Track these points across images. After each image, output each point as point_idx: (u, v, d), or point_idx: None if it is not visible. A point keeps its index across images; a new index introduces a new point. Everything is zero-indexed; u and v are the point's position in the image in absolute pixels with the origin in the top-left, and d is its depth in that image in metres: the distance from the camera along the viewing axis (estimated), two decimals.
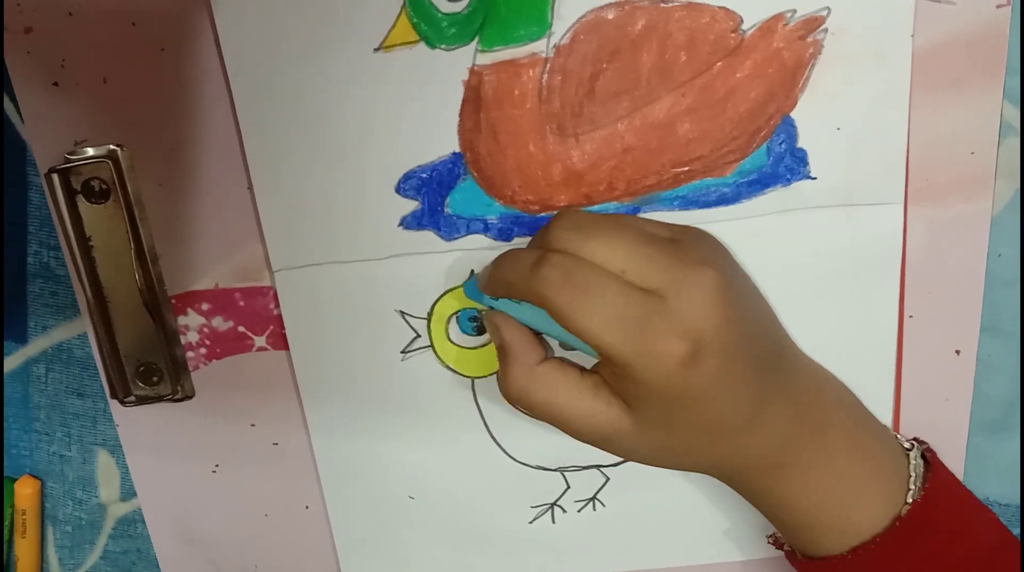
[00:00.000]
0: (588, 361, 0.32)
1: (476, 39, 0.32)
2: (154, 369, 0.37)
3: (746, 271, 0.34)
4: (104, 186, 0.35)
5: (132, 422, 0.39)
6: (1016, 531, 0.37)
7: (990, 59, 0.32)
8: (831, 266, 0.34)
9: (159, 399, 0.38)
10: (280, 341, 0.37)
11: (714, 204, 0.34)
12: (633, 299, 0.28)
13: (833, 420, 0.32)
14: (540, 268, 0.29)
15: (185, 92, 0.34)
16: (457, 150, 0.34)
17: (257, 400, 0.38)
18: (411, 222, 0.35)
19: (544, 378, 0.31)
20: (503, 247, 0.35)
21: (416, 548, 0.40)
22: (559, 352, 0.35)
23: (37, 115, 0.34)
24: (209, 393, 0.38)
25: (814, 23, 0.32)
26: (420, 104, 0.33)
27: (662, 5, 0.32)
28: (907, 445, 0.34)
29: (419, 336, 0.37)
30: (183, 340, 0.38)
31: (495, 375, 0.37)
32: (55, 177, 0.34)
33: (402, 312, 0.36)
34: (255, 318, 0.37)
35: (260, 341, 0.37)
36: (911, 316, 0.35)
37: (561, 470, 0.38)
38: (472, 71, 0.33)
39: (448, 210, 0.35)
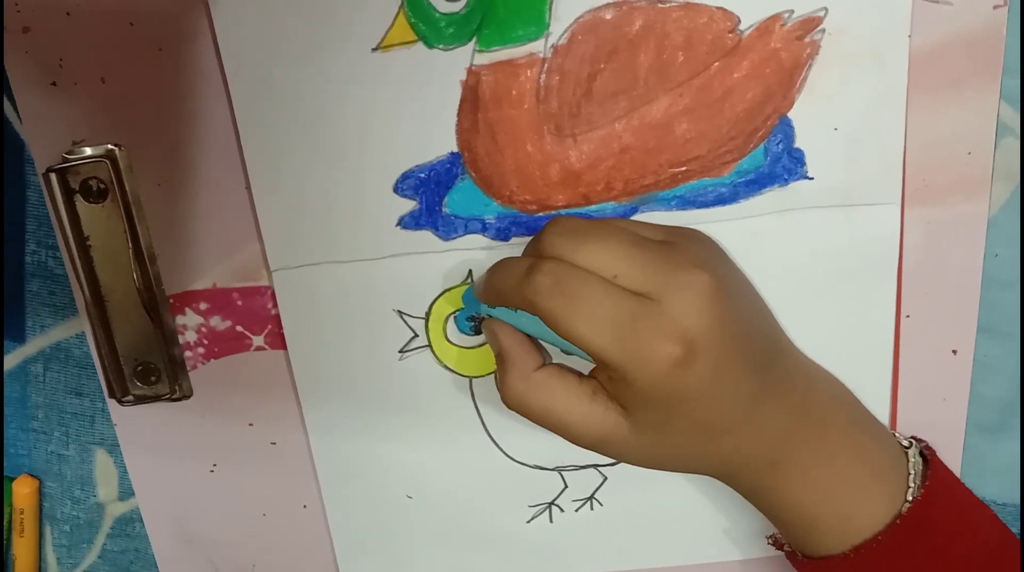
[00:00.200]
0: (587, 367, 0.32)
1: (474, 39, 0.32)
2: (152, 369, 0.37)
3: (742, 271, 0.34)
4: (102, 186, 0.35)
5: (130, 421, 0.39)
6: (1016, 530, 0.37)
7: (987, 60, 0.32)
8: (828, 266, 0.34)
9: (157, 398, 0.38)
10: (278, 341, 0.37)
11: (712, 204, 0.34)
12: (625, 303, 0.28)
13: (832, 418, 0.32)
14: (532, 276, 0.29)
15: (183, 92, 0.34)
16: (455, 150, 0.34)
17: (255, 400, 0.38)
18: (409, 222, 0.35)
19: (542, 384, 0.31)
20: (501, 247, 0.35)
21: (414, 547, 0.40)
22: (560, 359, 0.35)
23: (35, 115, 0.34)
24: (207, 393, 0.38)
25: (811, 23, 0.32)
26: (418, 104, 0.33)
27: (659, 5, 0.32)
28: (906, 443, 0.34)
29: (417, 336, 0.37)
30: (181, 340, 0.38)
31: (493, 375, 0.37)
32: (53, 176, 0.34)
33: (400, 312, 0.36)
34: (253, 318, 0.37)
35: (258, 341, 0.37)
36: (908, 316, 0.35)
37: (559, 470, 0.38)
38: (470, 71, 0.33)
39: (446, 210, 0.35)
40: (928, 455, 0.34)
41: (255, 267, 0.36)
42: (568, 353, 0.34)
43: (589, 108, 0.33)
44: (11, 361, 0.39)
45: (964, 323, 0.35)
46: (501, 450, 0.38)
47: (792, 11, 0.32)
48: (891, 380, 0.36)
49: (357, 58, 0.33)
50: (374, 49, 0.33)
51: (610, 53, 0.32)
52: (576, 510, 0.39)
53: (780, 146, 0.33)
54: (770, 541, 0.36)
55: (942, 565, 0.31)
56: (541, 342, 0.34)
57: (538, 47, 0.32)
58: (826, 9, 0.32)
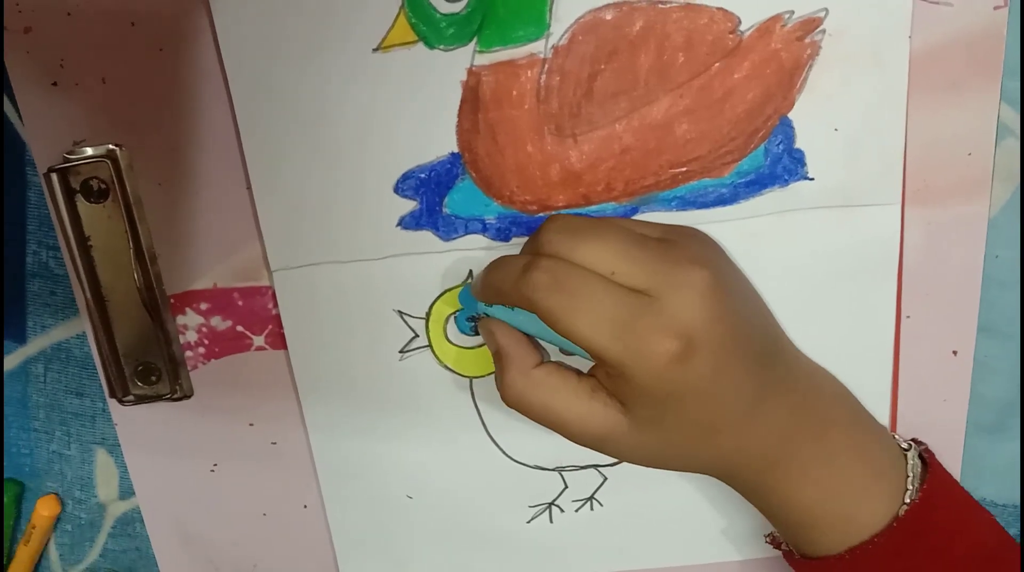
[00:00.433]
0: (585, 366, 0.32)
1: (474, 40, 0.32)
2: (153, 368, 0.37)
3: (741, 270, 0.34)
4: (103, 186, 0.35)
5: (131, 421, 0.39)
6: (1012, 532, 0.37)
7: (988, 61, 0.32)
8: (829, 267, 0.34)
9: (158, 398, 0.38)
10: (279, 341, 0.37)
11: (712, 205, 0.34)
12: (622, 300, 0.28)
13: (833, 418, 0.32)
14: (529, 273, 0.29)
15: (184, 92, 0.34)
16: (455, 150, 0.34)
17: (256, 399, 0.38)
18: (409, 222, 0.35)
19: (541, 381, 0.31)
20: (501, 247, 0.35)
21: (414, 547, 0.40)
22: (558, 358, 0.35)
23: (36, 115, 0.35)
24: (208, 392, 0.38)
25: (812, 24, 0.32)
26: (418, 104, 0.33)
27: (660, 6, 0.32)
28: (905, 445, 0.34)
29: (417, 336, 0.37)
30: (182, 339, 0.38)
31: (493, 375, 0.37)
32: (54, 177, 0.34)
33: (400, 312, 0.36)
34: (254, 318, 0.37)
35: (259, 341, 0.38)
36: (908, 317, 0.35)
37: (559, 470, 0.38)
38: (470, 72, 0.33)
39: (446, 210, 0.35)
40: (927, 457, 0.34)
41: (256, 267, 0.36)
42: (567, 353, 0.34)
43: (589, 108, 0.33)
44: (12, 361, 0.39)
45: (964, 324, 0.35)
46: (501, 450, 0.38)
47: (792, 12, 0.32)
48: (891, 380, 0.36)
49: (358, 58, 0.33)
50: (375, 49, 0.33)
51: (610, 54, 0.32)
52: (576, 510, 0.39)
53: (780, 147, 0.33)
54: (768, 540, 0.36)
55: (940, 567, 0.31)
56: (539, 341, 0.34)
57: (538, 47, 0.32)
58: (826, 10, 0.32)
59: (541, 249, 0.30)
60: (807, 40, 0.32)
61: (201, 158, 0.35)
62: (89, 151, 0.34)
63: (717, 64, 0.32)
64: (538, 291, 0.29)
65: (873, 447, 0.33)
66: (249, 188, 0.35)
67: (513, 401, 0.32)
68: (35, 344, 0.39)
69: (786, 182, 0.33)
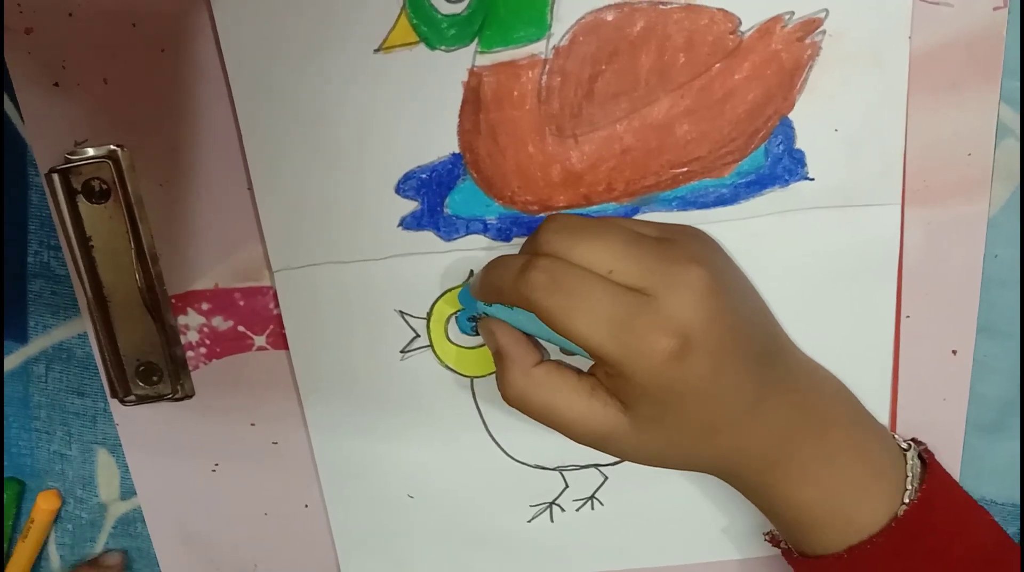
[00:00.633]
0: (587, 365, 0.32)
1: (476, 40, 0.32)
2: (154, 368, 0.37)
3: (740, 268, 0.34)
4: (104, 186, 0.35)
5: (132, 421, 0.39)
6: (1011, 530, 0.37)
7: (987, 61, 0.32)
8: (829, 267, 0.34)
9: (159, 398, 0.38)
10: (280, 341, 0.37)
11: (712, 205, 0.34)
12: (620, 298, 0.28)
13: (833, 417, 0.32)
14: (527, 272, 0.29)
15: (185, 93, 0.34)
16: (456, 151, 0.34)
17: (257, 399, 0.39)
18: (411, 222, 0.35)
19: (541, 380, 0.31)
20: (502, 247, 0.35)
21: (415, 547, 0.40)
22: (559, 358, 0.35)
23: (38, 115, 0.35)
24: (209, 392, 0.38)
25: (812, 25, 0.32)
26: (420, 105, 0.33)
27: (661, 7, 0.32)
28: (904, 445, 0.34)
29: (418, 336, 0.37)
30: (183, 340, 0.38)
31: (494, 375, 0.37)
32: (55, 177, 0.34)
33: (401, 312, 0.36)
34: (255, 318, 0.37)
35: (260, 341, 0.38)
36: (908, 316, 0.35)
37: (560, 469, 0.39)
38: (472, 72, 0.33)
39: (447, 210, 0.35)
40: (926, 458, 0.34)
41: (257, 267, 0.36)
42: (567, 352, 0.34)
43: (590, 109, 0.33)
44: (13, 361, 0.39)
45: (964, 323, 0.35)
46: (502, 450, 0.38)
47: (793, 13, 0.32)
48: (891, 380, 0.36)
49: (359, 59, 0.33)
50: (376, 50, 0.33)
51: (611, 54, 0.32)
52: (577, 510, 0.39)
53: (781, 147, 0.33)
54: (767, 538, 0.36)
55: (939, 567, 0.31)
56: (539, 340, 0.34)
57: (539, 48, 0.32)
58: (827, 11, 0.32)
59: (539, 249, 0.30)
60: (807, 41, 0.32)
61: (202, 158, 0.35)
62: (90, 151, 0.34)
63: (718, 65, 0.32)
64: (536, 291, 0.29)
65: (873, 447, 0.33)
66: (250, 188, 0.35)
67: (514, 400, 0.32)
68: (36, 344, 0.39)
69: (786, 182, 0.34)
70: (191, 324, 0.37)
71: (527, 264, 0.29)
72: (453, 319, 0.36)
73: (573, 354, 0.34)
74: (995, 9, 0.32)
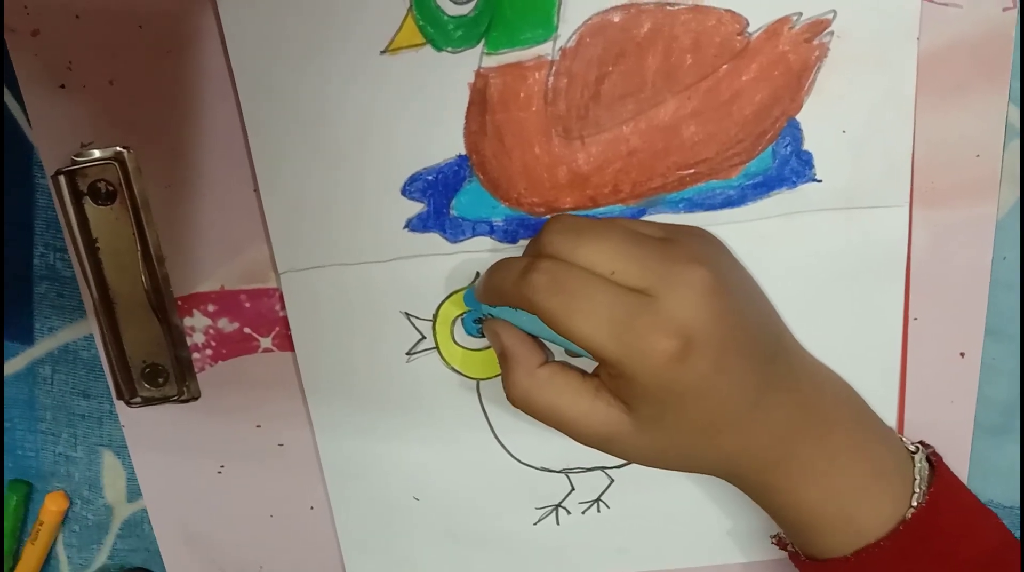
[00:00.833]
0: (591, 366, 0.32)
1: (482, 42, 0.32)
2: (160, 370, 0.37)
3: (745, 268, 0.34)
4: (110, 188, 0.35)
5: (138, 423, 0.39)
6: (1019, 534, 0.37)
7: (996, 62, 0.32)
8: (836, 268, 0.34)
9: (165, 400, 0.38)
10: (286, 342, 0.37)
11: (719, 206, 0.34)
12: (622, 299, 0.28)
13: (837, 418, 0.32)
14: (529, 274, 0.29)
15: (191, 94, 0.34)
16: (463, 152, 0.34)
17: (262, 401, 0.38)
18: (417, 224, 0.35)
19: (546, 381, 0.31)
20: (508, 249, 0.35)
21: (421, 549, 0.40)
22: (564, 360, 0.35)
23: (44, 117, 0.35)
24: (215, 394, 0.38)
25: (820, 26, 0.32)
26: (426, 107, 0.33)
27: (668, 8, 0.32)
28: (912, 448, 0.34)
29: (424, 338, 0.37)
30: (189, 341, 0.38)
31: (500, 377, 0.37)
32: (62, 179, 0.34)
33: (407, 314, 0.36)
34: (261, 319, 0.37)
35: (266, 342, 0.38)
36: (916, 318, 0.35)
37: (566, 472, 0.38)
38: (478, 74, 0.33)
39: (454, 212, 0.35)
40: (934, 460, 0.33)
41: (263, 269, 0.36)
42: (572, 354, 0.34)
43: (597, 111, 0.33)
44: (19, 363, 0.39)
45: (972, 326, 0.35)
46: (508, 452, 0.38)
47: (800, 14, 0.32)
48: (899, 382, 0.36)
49: (365, 61, 0.33)
50: (382, 52, 0.33)
51: (618, 56, 0.32)
52: (583, 512, 0.39)
53: (788, 148, 0.33)
54: (774, 541, 0.36)
55: (947, 570, 0.31)
56: (544, 342, 0.34)
57: (546, 50, 0.32)
58: (834, 12, 0.32)
59: (542, 249, 0.30)
60: (815, 42, 0.32)
61: (208, 160, 0.35)
62: (96, 153, 0.34)
63: (725, 66, 0.32)
64: (538, 293, 0.29)
65: (878, 448, 0.33)
66: (256, 190, 0.35)
67: (518, 401, 0.32)
68: (42, 346, 0.39)
69: (794, 184, 0.33)
70: (197, 326, 0.37)
71: (529, 266, 0.29)
72: (459, 321, 0.36)
73: (578, 356, 0.34)
74: (1004, 10, 0.32)
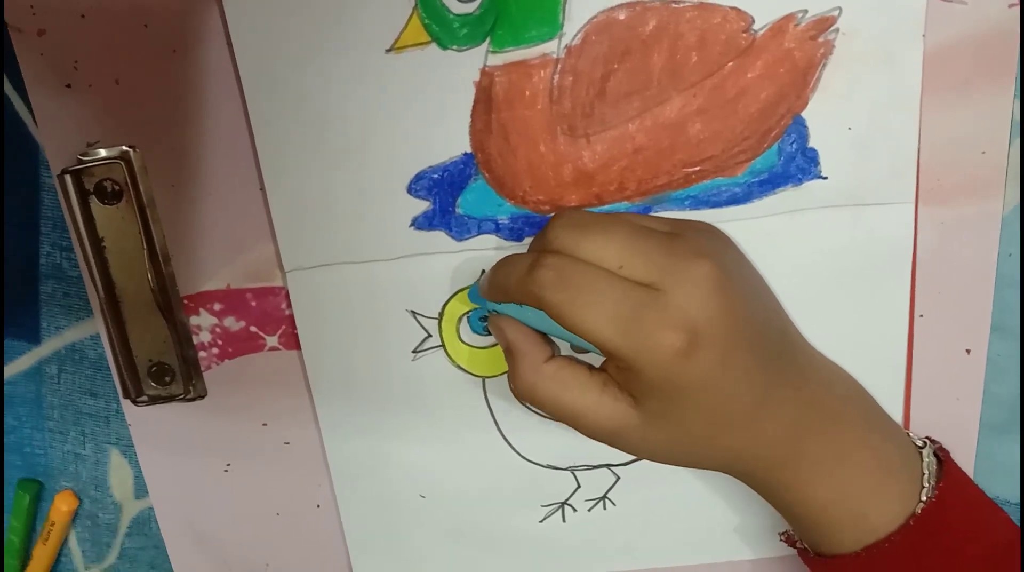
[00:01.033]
0: (599, 361, 0.32)
1: (487, 40, 0.32)
2: (166, 369, 0.37)
3: (752, 263, 0.33)
4: (117, 187, 0.35)
5: (144, 422, 0.39)
6: None
7: (1002, 59, 0.32)
8: (842, 266, 0.34)
9: (171, 399, 0.38)
10: (292, 341, 0.37)
11: (725, 204, 0.34)
12: (628, 293, 0.28)
13: (846, 415, 0.32)
14: (535, 270, 0.29)
15: (197, 93, 0.34)
16: (468, 151, 0.34)
17: (269, 399, 0.39)
18: (422, 222, 0.35)
19: (553, 375, 0.31)
20: (514, 247, 0.35)
21: (427, 547, 0.40)
22: (570, 355, 0.35)
23: (50, 116, 0.35)
24: (221, 393, 0.38)
25: (825, 23, 0.32)
26: (431, 105, 0.33)
27: (673, 5, 0.32)
28: (920, 444, 0.34)
29: (430, 336, 0.37)
30: (195, 340, 0.38)
31: (506, 374, 0.37)
32: (68, 178, 0.34)
33: (413, 312, 0.36)
34: (267, 318, 0.37)
35: (272, 341, 0.38)
36: (921, 315, 0.35)
37: (572, 469, 0.38)
38: (483, 72, 0.33)
39: (459, 210, 0.35)
40: (942, 456, 0.33)
41: (269, 268, 0.36)
42: (579, 350, 0.34)
43: (602, 108, 0.33)
44: (26, 362, 0.40)
45: (978, 322, 0.35)
46: (514, 450, 0.38)
47: (806, 11, 0.32)
48: (904, 379, 0.36)
49: (371, 59, 0.33)
50: (388, 50, 0.33)
51: (623, 53, 0.32)
52: (589, 510, 0.39)
53: (794, 146, 0.33)
54: (783, 538, 0.36)
55: (955, 566, 0.31)
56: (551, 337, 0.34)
57: (551, 48, 0.32)
58: (840, 9, 0.32)
59: (548, 244, 0.30)
60: (820, 39, 0.32)
61: (214, 159, 0.35)
62: (103, 153, 0.34)
63: (730, 63, 0.32)
64: (544, 288, 0.29)
65: (886, 445, 0.33)
66: (262, 189, 0.35)
67: (525, 395, 0.32)
68: (49, 345, 0.39)
69: (799, 181, 0.33)
70: (203, 324, 0.38)
71: (535, 262, 0.29)
72: (465, 319, 0.36)
73: (585, 352, 0.34)
74: (1010, 6, 0.32)
